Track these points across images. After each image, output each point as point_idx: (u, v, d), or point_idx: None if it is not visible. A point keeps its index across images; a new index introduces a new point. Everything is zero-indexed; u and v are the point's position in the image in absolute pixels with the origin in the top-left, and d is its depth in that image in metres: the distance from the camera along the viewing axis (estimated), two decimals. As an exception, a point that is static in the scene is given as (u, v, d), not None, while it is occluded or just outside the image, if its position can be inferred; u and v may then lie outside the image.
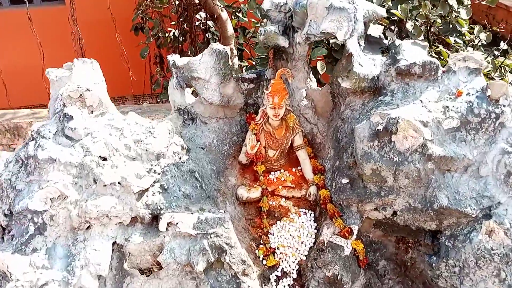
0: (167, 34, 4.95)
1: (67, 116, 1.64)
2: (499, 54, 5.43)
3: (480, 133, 1.60)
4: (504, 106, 1.57)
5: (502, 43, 5.17)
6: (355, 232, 1.75)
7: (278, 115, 1.89)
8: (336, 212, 1.79)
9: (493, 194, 1.57)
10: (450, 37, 4.39)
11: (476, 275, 1.56)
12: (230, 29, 4.63)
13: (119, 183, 1.59)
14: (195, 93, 2.08)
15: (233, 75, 2.02)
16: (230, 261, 1.65)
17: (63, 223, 1.55)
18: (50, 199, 1.53)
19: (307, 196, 1.92)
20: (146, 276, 1.61)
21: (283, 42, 1.88)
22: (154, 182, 1.67)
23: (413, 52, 1.77)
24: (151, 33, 4.76)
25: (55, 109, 1.71)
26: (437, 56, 4.18)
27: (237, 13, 4.70)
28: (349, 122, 1.89)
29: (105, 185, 1.57)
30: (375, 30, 1.94)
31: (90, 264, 1.54)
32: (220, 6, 4.10)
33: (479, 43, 4.77)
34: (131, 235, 1.63)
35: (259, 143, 1.92)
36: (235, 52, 5.20)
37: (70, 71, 1.75)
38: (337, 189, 1.83)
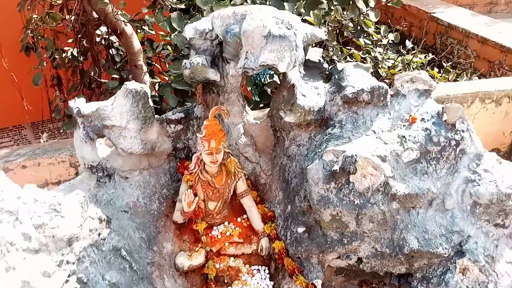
0: (64, 54, 4.39)
1: None
2: (405, 52, 5.67)
3: (441, 162, 1.48)
4: (463, 131, 1.47)
5: (407, 42, 5.40)
6: (319, 285, 1.55)
7: (217, 161, 1.60)
8: (296, 268, 1.56)
9: (461, 227, 1.46)
10: (359, 39, 4.44)
11: (457, 320, 1.44)
12: (136, 44, 4.21)
13: (19, 289, 1.19)
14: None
15: (156, 116, 1.70)
16: None
17: None
18: None
19: (259, 250, 1.66)
20: None
21: (213, 75, 1.60)
22: (69, 276, 1.29)
23: (357, 76, 1.61)
24: (45, 54, 4.16)
25: None
26: (351, 60, 4.20)
27: (142, 27, 4.30)
28: (296, 159, 1.67)
29: None
30: (314, 54, 1.75)
31: None
32: (123, 20, 3.67)
33: (387, 43, 4.92)
34: None
35: (197, 197, 1.62)
36: (145, 68, 4.78)
37: None
38: (293, 240, 1.60)
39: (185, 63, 1.59)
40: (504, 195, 1.42)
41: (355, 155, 1.43)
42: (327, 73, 1.72)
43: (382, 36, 4.67)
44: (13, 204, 1.28)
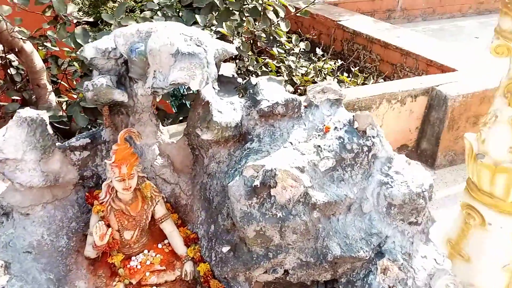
0: (-48, 77, 3.93)
1: None
2: (316, 59, 5.93)
3: (356, 168, 1.53)
4: (373, 137, 1.53)
5: (317, 49, 5.66)
6: (250, 304, 1.51)
7: (130, 188, 1.50)
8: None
9: (379, 229, 1.51)
10: (273, 48, 4.56)
11: (382, 321, 1.48)
12: (38, 62, 3.90)
13: None
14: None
15: (57, 144, 1.55)
16: None
17: None
18: None
19: (183, 276, 1.58)
20: None
21: (120, 96, 1.49)
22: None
23: (271, 90, 1.60)
24: None
25: None
26: (267, 69, 4.29)
27: (44, 43, 4.00)
28: (217, 177, 1.62)
29: None
30: (227, 69, 1.71)
31: None
32: (21, 38, 3.37)
33: (299, 51, 5.11)
34: None
35: (110, 228, 1.49)
36: (49, 87, 4.44)
37: None
38: (219, 260, 1.54)
39: (87, 85, 1.46)
40: (415, 194, 1.50)
41: (275, 169, 1.42)
42: (242, 87, 1.70)
43: (294, 45, 4.83)
44: None
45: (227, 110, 1.56)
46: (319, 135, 1.56)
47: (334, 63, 5.84)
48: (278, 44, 4.55)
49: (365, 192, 1.53)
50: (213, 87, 1.55)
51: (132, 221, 1.55)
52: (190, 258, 1.59)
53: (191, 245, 1.62)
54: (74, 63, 4.62)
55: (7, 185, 1.49)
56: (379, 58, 6.46)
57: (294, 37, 4.75)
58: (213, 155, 1.64)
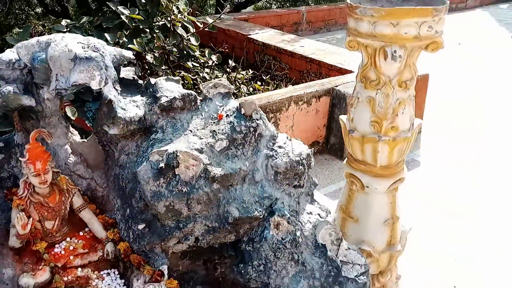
0: None
1: None
2: (230, 70, 6.30)
3: (246, 146, 1.82)
4: (257, 119, 1.84)
5: (230, 61, 6.03)
6: (166, 272, 1.73)
7: (46, 181, 1.66)
8: (141, 260, 1.71)
9: (270, 193, 1.82)
10: (187, 62, 4.85)
11: (278, 266, 1.77)
12: None
13: None
14: None
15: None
16: None
17: None
18: None
19: (105, 255, 1.76)
20: None
21: (27, 101, 1.66)
22: None
23: (170, 87, 1.86)
24: None
25: None
26: (184, 82, 4.55)
27: None
28: (128, 167, 1.83)
29: None
30: (128, 73, 1.94)
31: None
32: None
33: (213, 64, 5.45)
34: None
35: (31, 218, 1.64)
36: None
37: None
38: (136, 237, 1.75)
39: (-4, 92, 1.62)
40: (295, 162, 1.83)
41: (176, 151, 1.67)
42: (143, 88, 1.94)
43: (207, 58, 5.15)
44: None
45: (130, 107, 1.79)
46: (214, 122, 1.85)
47: (246, 73, 6.25)
48: (192, 59, 4.83)
49: (255, 165, 1.83)
50: (115, 88, 1.77)
51: (52, 211, 1.71)
52: (110, 240, 1.78)
53: (110, 229, 1.80)
54: None
55: None
56: (288, 67, 7.01)
57: (207, 51, 5.06)
58: (122, 148, 1.85)
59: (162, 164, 1.67)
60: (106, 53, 1.67)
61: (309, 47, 6.85)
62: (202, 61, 5.15)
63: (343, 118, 2.36)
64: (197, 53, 4.72)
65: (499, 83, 7.69)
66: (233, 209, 1.74)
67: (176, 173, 1.69)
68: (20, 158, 1.65)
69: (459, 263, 3.78)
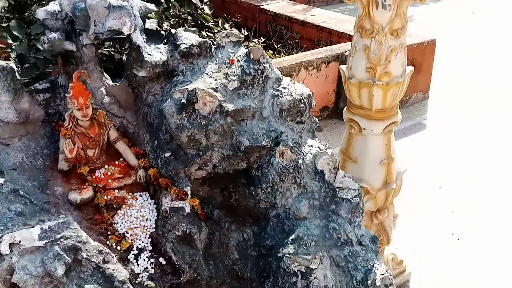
0: None
1: None
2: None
3: (255, 87, 2.09)
4: (264, 63, 2.10)
5: (243, 30, 6.28)
6: (189, 192, 2.04)
7: (87, 115, 1.97)
8: (169, 182, 2.02)
9: (276, 128, 2.09)
10: (201, 32, 5.10)
11: (283, 188, 2.06)
12: None
13: None
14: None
15: (25, 88, 1.98)
16: (87, 256, 1.69)
17: None
18: None
19: (137, 180, 2.08)
20: (3, 306, 1.51)
21: (69, 46, 1.95)
22: (-22, 211, 1.55)
23: (188, 36, 2.13)
24: None
25: None
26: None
27: None
28: (154, 105, 2.12)
29: None
30: (151, 24, 2.22)
31: None
32: None
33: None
34: (-30, 272, 1.49)
35: (76, 145, 1.96)
36: None
37: None
38: (163, 164, 2.06)
39: (43, 39, 1.92)
40: (297, 100, 2.10)
41: (195, 89, 1.96)
42: (165, 37, 2.21)
43: (221, 28, 5.38)
44: None
45: (155, 53, 2.07)
46: (226, 67, 2.11)
47: (258, 42, 6.46)
48: (206, 29, 5.07)
49: (263, 103, 2.10)
50: (142, 37, 2.05)
51: (92, 141, 2.02)
52: (141, 167, 2.09)
53: (141, 158, 2.12)
54: (11, 59, 4.83)
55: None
56: (299, 36, 7.18)
57: (220, 20, 5.28)
58: (149, 90, 2.14)
59: (183, 100, 1.96)
60: (134, 4, 1.94)
61: (320, 16, 6.99)
62: (215, 31, 5.38)
63: (342, 67, 2.60)
64: (211, 23, 4.94)
65: (510, 54, 7.73)
66: (244, 140, 2.03)
67: (196, 108, 1.97)
68: (65, 95, 1.95)
69: (456, 214, 4.05)
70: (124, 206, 2.02)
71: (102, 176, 2.05)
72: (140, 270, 1.85)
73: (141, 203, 2.06)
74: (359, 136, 2.66)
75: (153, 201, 2.09)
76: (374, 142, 2.65)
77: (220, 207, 2.25)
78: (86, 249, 1.70)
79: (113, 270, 1.73)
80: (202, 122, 1.98)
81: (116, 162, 2.13)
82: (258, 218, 2.23)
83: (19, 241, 1.58)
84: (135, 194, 2.09)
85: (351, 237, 2.04)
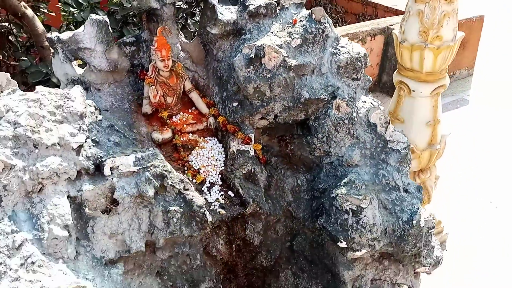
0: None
1: (-19, 97, 1.66)
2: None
3: (315, 45, 2.28)
4: (325, 23, 2.28)
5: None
6: (253, 138, 2.28)
7: (168, 66, 2.22)
8: (236, 128, 2.27)
9: (333, 83, 2.28)
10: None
11: (337, 138, 2.26)
12: (39, 26, 4.43)
13: (58, 143, 1.73)
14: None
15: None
16: (171, 183, 1.97)
17: (18, 190, 1.61)
18: (-4, 173, 1.58)
19: (208, 126, 2.34)
20: (107, 214, 1.82)
21: (154, 4, 2.20)
22: (86, 138, 1.85)
23: (256, -2, 2.34)
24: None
25: (-41, 95, 1.69)
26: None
27: (40, 8, 4.53)
28: (224, 61, 2.36)
29: (47, 147, 1.69)
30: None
31: (55, 218, 1.65)
32: (23, 3, 3.90)
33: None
34: (81, 186, 1.79)
35: (158, 92, 2.23)
36: (52, 50, 4.97)
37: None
38: (231, 112, 2.30)
39: (134, -4, 2.18)
40: (354, 58, 2.27)
41: (263, 45, 2.17)
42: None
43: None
44: (35, 96, 1.78)
45: (226, 12, 2.29)
46: (289, 26, 2.30)
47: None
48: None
49: (322, 60, 2.29)
50: (216, -2, 2.27)
51: (171, 90, 2.28)
52: (212, 115, 2.34)
53: (211, 108, 2.37)
54: (71, 26, 5.18)
55: (85, 68, 2.20)
56: (344, 10, 7.20)
57: None
58: (219, 47, 2.37)
59: (252, 55, 2.17)
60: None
61: (365, -10, 6.96)
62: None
63: (395, 31, 2.74)
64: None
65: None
66: (304, 92, 2.23)
67: (262, 62, 2.19)
68: (150, 47, 2.21)
69: (495, 184, 4.12)
70: (196, 147, 2.29)
71: (178, 121, 2.32)
72: (213, 200, 2.12)
73: (211, 146, 2.32)
74: (408, 98, 2.80)
75: (221, 145, 2.35)
76: (422, 104, 2.78)
77: (277, 155, 2.48)
78: (171, 177, 1.98)
79: (192, 196, 2.01)
80: (267, 75, 2.19)
81: (189, 110, 2.39)
82: (310, 166, 2.45)
83: (118, 166, 1.87)
84: (206, 138, 2.35)
85: (398, 183, 2.23)
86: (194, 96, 2.36)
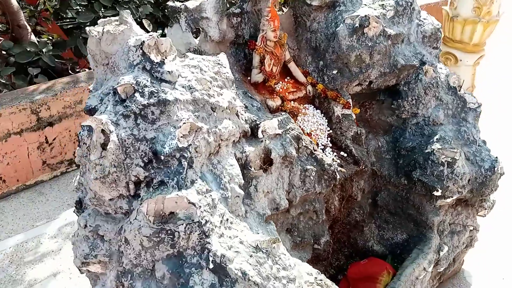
0: None
1: (156, 63, 1.62)
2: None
3: (404, 16, 2.46)
4: (411, -4, 2.47)
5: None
6: (351, 103, 2.43)
7: (277, 35, 2.28)
8: (337, 94, 2.40)
9: (420, 51, 2.48)
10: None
11: (425, 100, 2.48)
12: (14, 3, 4.16)
13: (226, 107, 1.75)
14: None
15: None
16: (305, 144, 2.07)
17: (204, 152, 1.63)
18: (185, 135, 1.59)
19: (307, 93, 2.44)
20: (265, 174, 1.88)
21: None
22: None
23: (347, -28, 2.45)
24: None
25: (130, 62, 1.63)
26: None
27: None
28: (319, 31, 2.45)
29: (223, 111, 1.71)
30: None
31: (234, 177, 1.69)
32: None
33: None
34: (243, 148, 1.83)
35: (272, 61, 2.28)
36: (29, 28, 4.66)
37: (123, 25, 1.67)
38: (331, 80, 2.42)
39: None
40: (436, 29, 2.49)
41: (367, 15, 2.30)
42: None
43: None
44: (194, 62, 1.77)
45: (324, -14, 2.39)
46: (380, -1, 2.47)
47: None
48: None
49: (410, 30, 2.48)
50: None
51: (277, 59, 2.34)
52: (309, 83, 2.44)
53: (307, 76, 2.46)
54: (47, 4, 4.87)
55: (200, 38, 2.18)
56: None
57: None
58: (314, 18, 2.45)
59: (357, 25, 2.30)
60: None
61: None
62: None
63: (445, 8, 3.00)
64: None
65: None
66: (400, 59, 2.41)
67: (364, 32, 2.33)
68: (264, 17, 2.24)
69: None
70: (300, 114, 2.38)
71: (281, 90, 2.39)
72: (330, 160, 2.25)
73: (312, 112, 2.42)
74: (453, 67, 3.10)
75: (319, 110, 2.46)
76: (465, 72, 3.10)
77: (359, 120, 2.65)
78: (303, 139, 2.07)
79: (321, 156, 2.12)
80: (369, 44, 2.34)
81: (286, 79, 2.47)
82: (386, 129, 2.66)
83: (266, 129, 1.93)
84: (305, 105, 2.45)
85: (476, 138, 2.51)
86: (292, 66, 2.44)
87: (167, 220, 1.49)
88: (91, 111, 1.63)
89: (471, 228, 2.73)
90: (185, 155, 1.54)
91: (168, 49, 1.69)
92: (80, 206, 1.76)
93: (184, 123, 1.54)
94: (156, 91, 1.55)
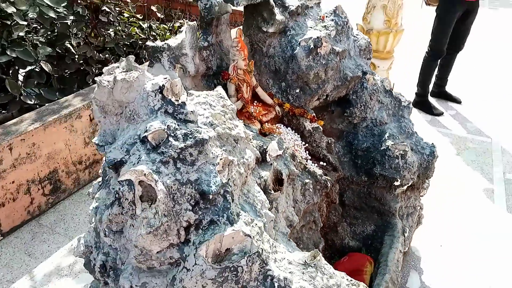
0: None
1: (178, 105, 1.63)
2: None
3: (343, 34, 2.82)
4: (345, 17, 2.85)
5: None
6: (314, 115, 2.69)
7: (247, 64, 2.42)
8: (304, 110, 2.64)
9: (360, 63, 2.88)
10: None
11: (371, 105, 2.88)
12: None
13: (245, 137, 1.83)
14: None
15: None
16: (299, 160, 2.25)
17: (237, 184, 1.69)
18: (220, 170, 1.64)
19: (277, 114, 2.62)
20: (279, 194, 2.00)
21: (229, 9, 2.36)
22: (245, 131, 1.97)
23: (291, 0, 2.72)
24: None
25: (151, 107, 1.61)
26: None
27: None
28: (276, 55, 2.66)
29: (243, 141, 1.78)
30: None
31: (263, 203, 1.77)
32: None
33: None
34: (259, 173, 1.93)
35: (248, 88, 2.40)
36: None
37: (134, 71, 1.64)
38: (295, 98, 2.64)
39: (212, 2, 2.29)
40: (368, 42, 2.92)
41: (319, 37, 2.60)
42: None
43: None
44: (201, 99, 1.82)
45: (277, 13, 2.61)
46: (320, 21, 2.79)
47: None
48: None
49: (349, 46, 2.86)
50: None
51: (248, 86, 2.47)
52: (277, 104, 2.64)
53: (273, 98, 2.65)
54: None
55: (178, 75, 2.20)
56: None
57: None
58: (269, 44, 2.66)
59: (312, 46, 2.58)
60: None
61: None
62: None
63: (360, 23, 3.50)
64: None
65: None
66: (348, 72, 2.76)
67: (318, 51, 2.62)
68: (233, 47, 2.35)
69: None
70: (276, 134, 2.56)
71: (255, 114, 2.53)
72: (320, 171, 2.47)
73: (285, 130, 2.62)
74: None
75: (289, 128, 2.67)
76: (382, 76, 3.64)
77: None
78: (297, 156, 2.25)
79: (313, 168, 2.33)
80: (323, 62, 2.64)
81: (255, 103, 2.62)
82: (338, 135, 3.01)
83: (270, 152, 2.06)
84: (277, 125, 2.63)
85: (414, 130, 3.01)
86: (260, 90, 2.60)
87: (223, 258, 1.53)
88: (117, 165, 1.57)
89: (419, 208, 3.23)
90: (228, 189, 1.60)
91: (180, 89, 1.72)
92: (104, 270, 1.66)
93: (220, 159, 1.60)
94: (190, 132, 1.58)
